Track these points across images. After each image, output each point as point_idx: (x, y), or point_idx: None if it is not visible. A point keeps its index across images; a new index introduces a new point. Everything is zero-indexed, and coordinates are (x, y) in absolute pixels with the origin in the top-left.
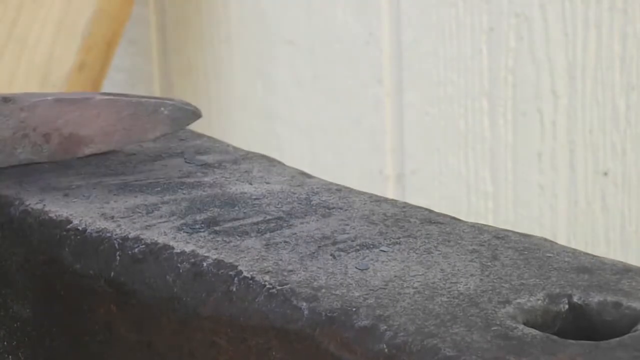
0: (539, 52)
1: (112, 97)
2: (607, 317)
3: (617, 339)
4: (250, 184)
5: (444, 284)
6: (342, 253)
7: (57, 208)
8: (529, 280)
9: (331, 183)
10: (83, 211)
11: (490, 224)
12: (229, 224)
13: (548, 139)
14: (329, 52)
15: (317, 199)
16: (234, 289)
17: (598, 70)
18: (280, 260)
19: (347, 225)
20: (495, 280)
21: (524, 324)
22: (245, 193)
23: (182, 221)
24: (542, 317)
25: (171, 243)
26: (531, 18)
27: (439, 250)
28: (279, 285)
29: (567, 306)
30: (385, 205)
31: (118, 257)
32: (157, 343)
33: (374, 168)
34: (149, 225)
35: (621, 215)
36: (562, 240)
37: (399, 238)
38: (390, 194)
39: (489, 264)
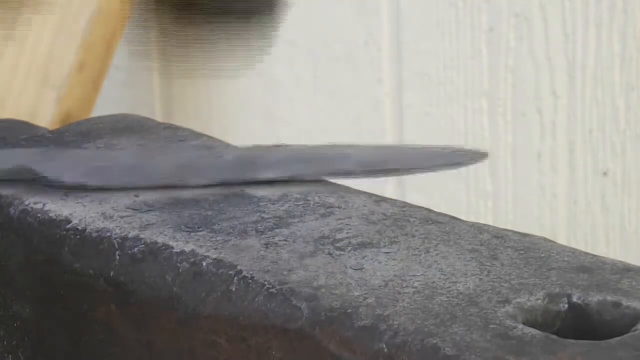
0: (539, 52)
1: None
2: (607, 317)
3: (617, 338)
4: (251, 183)
5: (443, 283)
6: (341, 253)
7: (57, 208)
8: (529, 280)
9: (331, 183)
10: (83, 211)
11: (490, 223)
12: (229, 224)
13: (548, 139)
14: (329, 52)
15: (316, 199)
16: (234, 289)
17: (598, 70)
18: (280, 259)
19: (347, 225)
20: (495, 280)
21: (524, 323)
22: (246, 192)
23: (182, 220)
24: (542, 317)
25: (171, 243)
26: (531, 18)
27: (438, 250)
28: (278, 285)
29: (567, 306)
30: (385, 205)
31: (118, 257)
32: (157, 343)
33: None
34: (148, 225)
35: (621, 215)
36: (562, 240)
37: (398, 238)
38: (390, 194)
39: (489, 263)
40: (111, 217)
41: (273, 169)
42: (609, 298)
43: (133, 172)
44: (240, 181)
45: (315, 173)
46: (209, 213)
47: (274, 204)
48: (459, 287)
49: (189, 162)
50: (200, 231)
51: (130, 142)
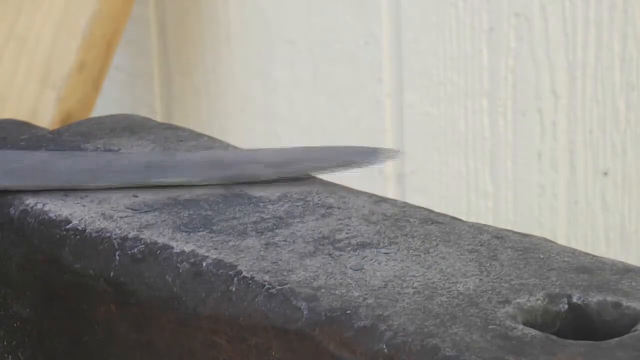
0: (539, 52)
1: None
2: (607, 317)
3: (617, 338)
4: (250, 183)
5: (443, 284)
6: (341, 253)
7: (57, 208)
8: (529, 280)
9: (331, 183)
10: (82, 211)
11: (490, 224)
12: (228, 224)
13: (548, 139)
14: (329, 52)
15: (316, 199)
16: (234, 289)
17: (598, 70)
18: (280, 260)
19: (347, 225)
20: (494, 280)
21: (524, 323)
22: (245, 192)
23: (182, 220)
24: (541, 317)
25: (170, 243)
26: (531, 18)
27: (438, 250)
28: (278, 285)
29: (566, 306)
30: (385, 205)
31: (117, 257)
32: (157, 343)
33: (374, 168)
34: (148, 225)
35: (621, 215)
36: (562, 240)
37: (398, 238)
38: (390, 194)
39: (489, 263)
40: (111, 217)
41: (182, 172)
42: (609, 298)
43: (37, 173)
44: (146, 184)
45: (225, 177)
46: (209, 213)
47: (273, 204)
48: (459, 287)
49: (96, 165)
50: (200, 231)
51: (129, 142)
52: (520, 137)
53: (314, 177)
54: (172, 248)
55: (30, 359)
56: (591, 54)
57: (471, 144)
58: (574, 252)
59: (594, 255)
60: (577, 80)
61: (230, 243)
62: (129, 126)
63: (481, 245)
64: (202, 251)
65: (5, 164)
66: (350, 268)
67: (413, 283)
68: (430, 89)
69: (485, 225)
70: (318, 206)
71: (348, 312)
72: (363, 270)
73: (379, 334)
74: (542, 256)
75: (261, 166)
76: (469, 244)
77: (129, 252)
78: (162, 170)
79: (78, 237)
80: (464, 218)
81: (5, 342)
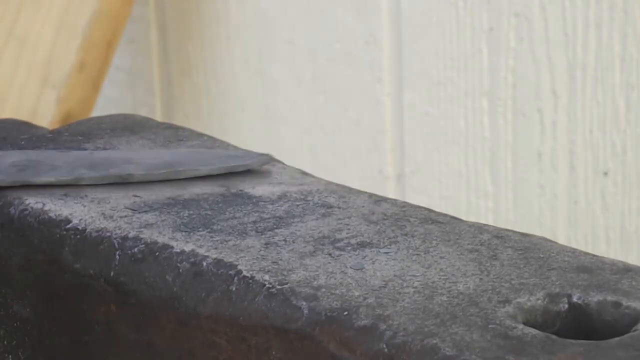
0: (539, 52)
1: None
2: (607, 317)
3: (617, 338)
4: (250, 183)
5: (443, 283)
6: (341, 252)
7: (57, 208)
8: (529, 280)
9: (331, 182)
10: (82, 210)
11: (490, 223)
12: (228, 223)
13: (548, 139)
14: (329, 52)
15: (316, 199)
16: (234, 289)
17: (598, 70)
18: (280, 259)
19: (347, 224)
20: (495, 280)
21: (524, 323)
22: (245, 192)
23: (182, 220)
24: (541, 317)
25: (171, 242)
26: (531, 18)
27: (438, 250)
28: (278, 285)
29: (567, 306)
30: (384, 205)
31: (118, 257)
32: (157, 342)
33: (374, 168)
34: (148, 225)
35: (621, 215)
36: (562, 240)
37: (398, 237)
38: (390, 194)
39: (489, 263)
40: (111, 217)
41: (56, 171)
42: (609, 298)
43: None
44: (19, 183)
45: (99, 176)
46: (208, 213)
47: (273, 204)
48: (459, 286)
49: None
50: (200, 231)
51: (130, 142)
52: (520, 137)
53: (314, 177)
54: (172, 248)
55: (30, 358)
56: (591, 54)
57: (471, 144)
58: (574, 251)
59: (594, 255)
60: (577, 80)
61: (230, 243)
62: (129, 126)
63: (481, 244)
64: (202, 251)
65: None
66: (351, 268)
67: (413, 283)
68: (430, 88)
69: (485, 225)
70: (318, 206)
71: (348, 311)
72: (363, 270)
73: (379, 334)
74: (542, 256)
75: (132, 166)
76: (469, 244)
77: (129, 251)
78: (32, 171)
79: (78, 236)
80: (464, 218)
81: (5, 342)
